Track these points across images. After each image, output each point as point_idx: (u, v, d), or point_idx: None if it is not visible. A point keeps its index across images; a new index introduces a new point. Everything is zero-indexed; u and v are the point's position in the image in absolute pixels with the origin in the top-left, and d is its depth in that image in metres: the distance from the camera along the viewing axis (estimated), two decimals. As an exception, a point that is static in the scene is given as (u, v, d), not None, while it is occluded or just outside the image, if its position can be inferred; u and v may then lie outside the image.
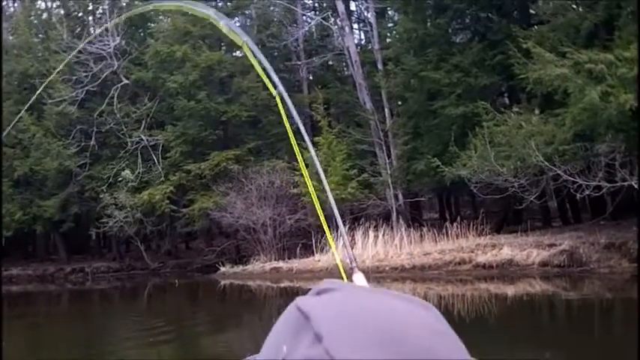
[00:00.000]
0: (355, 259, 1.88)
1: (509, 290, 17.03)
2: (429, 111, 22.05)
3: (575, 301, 15.43)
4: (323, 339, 0.58)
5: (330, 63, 32.82)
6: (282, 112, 1.66)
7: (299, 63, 30.81)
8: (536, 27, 19.98)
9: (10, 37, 31.27)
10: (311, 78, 32.02)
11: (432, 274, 19.16)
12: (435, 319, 0.65)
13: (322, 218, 1.93)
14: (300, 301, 0.65)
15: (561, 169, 14.86)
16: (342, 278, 1.83)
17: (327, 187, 1.88)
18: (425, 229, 21.46)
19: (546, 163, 14.74)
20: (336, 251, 2.05)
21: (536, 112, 15.97)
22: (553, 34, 16.86)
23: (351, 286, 0.72)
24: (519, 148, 15.47)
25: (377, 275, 20.19)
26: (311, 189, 1.76)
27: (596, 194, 15.62)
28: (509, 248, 18.18)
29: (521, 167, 15.85)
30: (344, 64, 33.34)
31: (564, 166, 14.92)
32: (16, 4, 34.77)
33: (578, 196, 15.59)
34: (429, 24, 22.56)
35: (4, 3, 36.22)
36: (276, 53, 32.28)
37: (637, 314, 10.27)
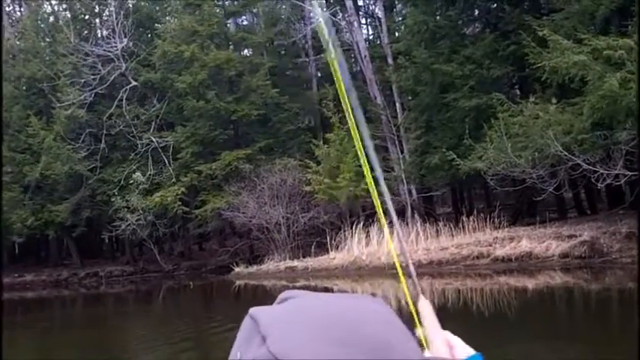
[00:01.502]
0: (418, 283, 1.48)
1: (530, 283, 16.75)
2: (442, 104, 21.78)
3: (597, 292, 15.14)
4: (267, 339, 0.65)
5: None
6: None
7: (307, 60, 30.60)
8: (545, 17, 19.67)
9: (18, 42, 31.18)
10: (320, 75, 31.77)
11: (450, 269, 18.90)
12: (384, 313, 0.72)
13: (381, 214, 1.51)
14: (252, 310, 0.71)
15: (580, 159, 14.56)
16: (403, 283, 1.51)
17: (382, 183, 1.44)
18: (441, 224, 21.18)
19: (565, 153, 14.44)
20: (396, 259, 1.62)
21: (554, 101, 15.64)
22: (567, 22, 16.56)
23: (308, 292, 0.77)
24: (537, 138, 15.18)
25: (393, 272, 19.86)
26: (368, 177, 1.37)
27: (617, 183, 15.31)
28: (528, 240, 17.89)
29: (539, 158, 15.56)
30: (352, 59, 33.13)
31: (583, 156, 14.62)
32: (22, 9, 34.69)
33: (599, 185, 15.27)
34: (438, 16, 22.28)
35: (9, 8, 36.22)
36: (284, 51, 32.10)
37: (637, 311, 10.02)
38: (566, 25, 16.34)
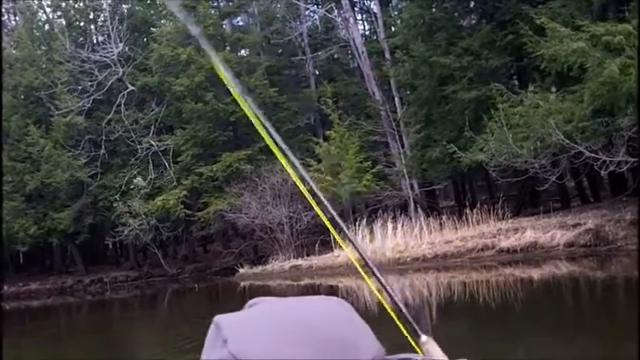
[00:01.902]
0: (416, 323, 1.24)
1: (535, 274, 16.65)
2: (441, 97, 21.69)
3: (603, 281, 15.04)
4: (227, 341, 0.69)
5: (336, 56, 32.50)
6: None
7: (304, 58, 30.49)
8: (542, 5, 19.56)
9: (14, 51, 31.10)
10: (317, 73, 31.68)
11: (455, 262, 18.79)
12: (344, 312, 0.75)
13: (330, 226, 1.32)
14: (216, 317, 0.75)
15: (582, 147, 14.45)
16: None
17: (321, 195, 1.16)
18: (444, 217, 21.07)
19: (567, 141, 14.33)
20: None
21: (553, 90, 15.53)
22: (564, 10, 16.46)
23: (275, 298, 0.79)
24: (538, 127, 15.07)
25: (399, 267, 19.86)
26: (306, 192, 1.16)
27: (620, 170, 15.20)
28: (533, 231, 17.78)
29: (541, 147, 15.45)
30: (350, 56, 33.02)
31: (585, 143, 14.51)
32: (17, 18, 34.62)
33: (602, 172, 15.17)
34: (434, 9, 22.16)
35: (4, 17, 36.16)
36: (280, 50, 32.00)
37: (637, 307, 9.95)
38: (564, 13, 16.23)
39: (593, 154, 14.34)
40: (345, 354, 0.68)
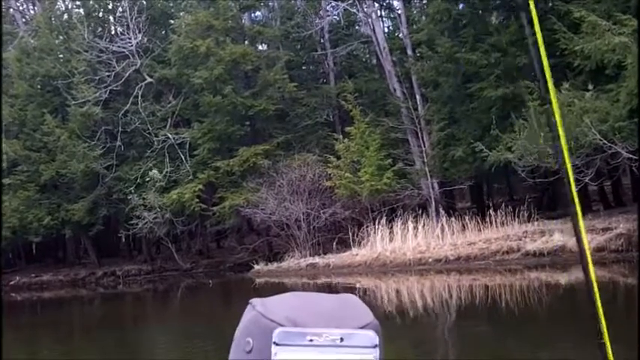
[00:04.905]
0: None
1: (562, 278, 16.18)
2: (465, 95, 21.17)
3: (634, 287, 14.49)
4: (256, 306, 0.90)
5: (356, 53, 31.99)
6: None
7: (324, 53, 30.01)
8: (575, 1, 19.00)
9: (32, 40, 30.83)
10: (337, 68, 31.16)
11: (479, 264, 18.30)
12: (349, 298, 0.93)
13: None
14: (251, 299, 0.93)
15: (619, 147, 13.89)
16: None
17: None
18: (467, 218, 20.54)
19: (605, 141, 13.77)
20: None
21: (590, 87, 14.98)
22: (599, 6, 15.89)
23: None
24: (571, 126, 14.51)
25: (420, 268, 19.40)
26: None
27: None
28: (560, 234, 17.25)
29: (575, 147, 14.90)
30: (368, 54, 32.51)
31: (622, 144, 13.95)
32: (36, 7, 34.40)
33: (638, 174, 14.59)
34: (461, 3, 21.63)
35: (23, 7, 35.97)
36: (299, 46, 31.53)
37: (637, 311, 9.49)
38: (598, 9, 15.67)
39: (632, 155, 13.78)
40: (337, 322, 0.86)
